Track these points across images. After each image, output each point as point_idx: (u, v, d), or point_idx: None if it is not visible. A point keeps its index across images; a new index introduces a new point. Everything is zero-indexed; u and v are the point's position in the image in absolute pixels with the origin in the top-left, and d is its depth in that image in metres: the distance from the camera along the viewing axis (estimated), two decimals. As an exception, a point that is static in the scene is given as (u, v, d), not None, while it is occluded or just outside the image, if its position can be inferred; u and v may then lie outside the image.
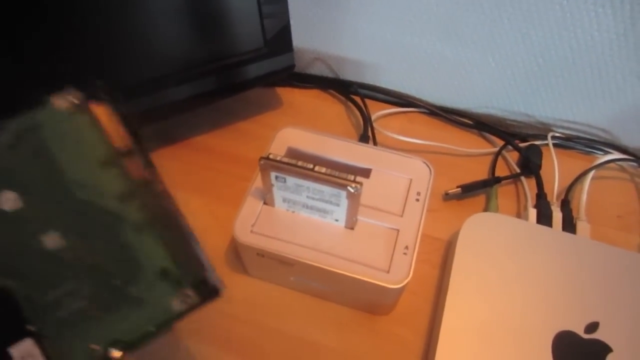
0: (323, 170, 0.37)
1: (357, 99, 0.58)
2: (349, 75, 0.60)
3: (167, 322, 0.24)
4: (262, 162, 0.38)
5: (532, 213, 0.48)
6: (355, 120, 0.58)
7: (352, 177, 0.37)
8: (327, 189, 0.38)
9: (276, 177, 0.39)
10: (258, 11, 0.46)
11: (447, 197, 0.51)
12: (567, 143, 0.55)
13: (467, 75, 0.54)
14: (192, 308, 0.25)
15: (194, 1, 0.44)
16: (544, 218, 0.48)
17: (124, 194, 0.25)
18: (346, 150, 0.46)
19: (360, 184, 0.36)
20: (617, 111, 0.52)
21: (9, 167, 0.23)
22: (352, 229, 0.42)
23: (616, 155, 0.54)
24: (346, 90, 0.59)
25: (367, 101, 0.58)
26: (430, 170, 0.45)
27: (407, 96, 0.59)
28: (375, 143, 0.53)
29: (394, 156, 0.46)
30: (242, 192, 0.43)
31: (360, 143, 0.47)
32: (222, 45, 0.48)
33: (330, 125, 0.58)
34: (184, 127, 0.57)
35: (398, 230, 0.41)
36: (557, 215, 0.48)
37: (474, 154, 0.55)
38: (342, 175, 0.37)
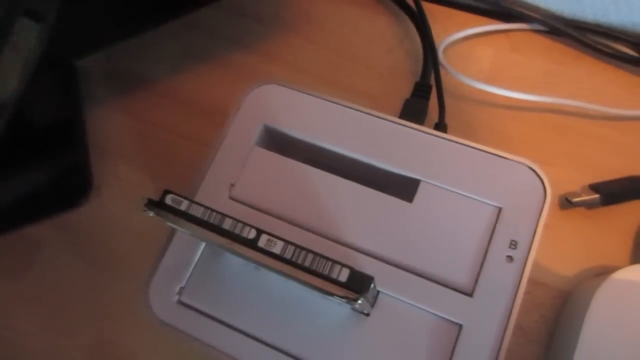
0: (277, 248, 0.15)
1: (415, 3, 0.32)
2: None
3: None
4: (148, 212, 0.17)
5: None
6: (413, 45, 0.33)
7: (343, 273, 0.15)
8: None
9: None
10: None
11: (570, 205, 0.28)
12: None
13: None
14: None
15: None
16: None
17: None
18: (373, 135, 0.24)
19: (364, 290, 0.15)
20: None
21: None
22: (367, 314, 0.21)
23: None
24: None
25: (437, 10, 0.33)
26: (544, 188, 0.22)
27: (511, 0, 0.32)
28: (441, 99, 0.29)
29: (470, 152, 0.23)
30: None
31: (403, 122, 0.24)
32: None
33: (367, 55, 0.34)
34: (144, 60, 0.36)
35: (460, 328, 0.20)
36: None
37: (633, 119, 0.30)
38: (319, 263, 0.15)
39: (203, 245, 0.23)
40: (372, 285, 0.15)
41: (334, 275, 0.15)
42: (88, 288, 0.31)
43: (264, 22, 0.36)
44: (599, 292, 0.24)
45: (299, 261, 0.15)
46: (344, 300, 0.15)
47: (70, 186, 0.34)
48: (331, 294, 0.15)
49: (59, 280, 0.32)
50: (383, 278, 0.21)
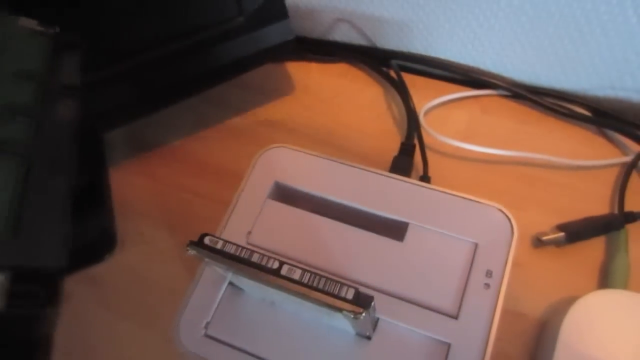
0: (296, 275, 0.20)
1: (397, 76, 0.38)
2: (388, 42, 0.40)
3: None
4: (191, 250, 0.21)
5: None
6: (398, 110, 0.39)
7: (350, 292, 0.19)
8: (307, 303, 0.20)
9: (225, 269, 0.22)
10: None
11: (541, 244, 0.32)
12: None
13: (583, 37, 0.33)
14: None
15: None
16: None
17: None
18: (368, 188, 0.28)
19: (367, 307, 0.19)
20: None
21: None
22: (368, 338, 0.24)
23: None
24: (384, 64, 0.39)
25: (418, 81, 0.39)
26: (511, 226, 0.26)
27: (479, 71, 0.38)
28: (424, 156, 0.34)
29: (449, 199, 0.27)
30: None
31: (392, 175, 0.29)
32: (178, 18, 0.31)
33: (359, 120, 0.39)
34: (161, 129, 0.41)
35: (449, 347, 0.24)
36: None
37: (590, 168, 0.35)
38: (331, 286, 0.19)
39: (225, 286, 0.27)
40: (372, 303, 0.19)
41: (342, 294, 0.19)
42: (113, 335, 0.34)
43: (267, 94, 0.42)
44: (567, 316, 0.27)
45: (314, 284, 0.19)
46: (350, 314, 0.19)
47: (96, 243, 0.38)
48: (340, 310, 0.19)
49: (86, 330, 0.35)
50: (381, 306, 0.25)
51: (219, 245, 0.21)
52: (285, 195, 0.29)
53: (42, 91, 0.21)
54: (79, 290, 0.36)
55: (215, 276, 0.27)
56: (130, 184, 0.40)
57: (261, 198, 0.29)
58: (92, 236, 0.38)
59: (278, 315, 0.26)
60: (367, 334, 0.24)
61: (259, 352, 0.25)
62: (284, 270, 0.20)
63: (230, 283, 0.27)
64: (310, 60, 0.42)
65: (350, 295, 0.19)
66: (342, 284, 0.19)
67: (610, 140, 0.36)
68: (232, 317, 0.26)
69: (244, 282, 0.24)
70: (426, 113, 0.37)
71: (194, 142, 0.41)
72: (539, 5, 0.32)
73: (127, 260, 0.37)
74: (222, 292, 0.27)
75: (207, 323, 0.26)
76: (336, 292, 0.19)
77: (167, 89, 0.35)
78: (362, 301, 0.19)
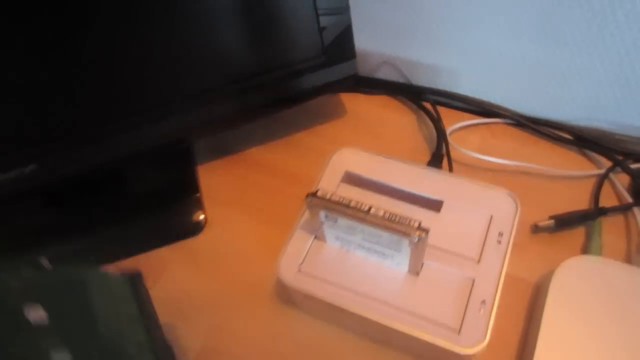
0: (381, 213, 0.31)
1: (430, 107, 0.51)
2: (421, 80, 0.53)
3: None
4: (309, 199, 0.32)
5: (648, 258, 0.39)
6: (428, 132, 0.51)
7: (415, 223, 0.30)
8: (385, 235, 0.32)
9: (326, 216, 0.33)
10: (314, 15, 0.40)
11: (537, 230, 0.43)
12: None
13: (565, 81, 0.45)
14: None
15: (245, 8, 0.39)
16: (664, 265, 0.38)
17: (141, 343, 0.31)
18: (413, 177, 0.40)
19: (426, 231, 0.30)
20: None
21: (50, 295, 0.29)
22: (416, 274, 0.35)
23: None
24: (418, 97, 0.52)
25: (443, 110, 0.51)
26: (516, 204, 0.38)
27: (490, 104, 0.51)
28: (450, 163, 0.46)
29: (472, 186, 0.39)
30: (295, 214, 0.39)
31: (431, 168, 0.40)
32: (274, 55, 0.43)
33: (398, 138, 0.51)
34: (238, 139, 0.53)
35: (473, 280, 0.35)
36: (682, 263, 0.38)
37: (573, 177, 0.47)
38: (403, 220, 0.31)
39: (312, 238, 0.38)
40: (429, 230, 0.30)
41: (411, 224, 0.30)
42: (203, 292, 0.44)
43: (325, 117, 0.54)
44: (555, 274, 0.38)
45: (392, 218, 0.30)
46: (416, 237, 0.30)
47: (190, 221, 0.48)
48: (409, 234, 0.30)
49: (181, 286, 0.45)
50: (426, 254, 0.36)
51: (327, 196, 0.32)
52: (354, 180, 0.41)
53: (146, 325, 0.31)
54: (177, 255, 0.46)
55: (304, 233, 0.38)
56: (215, 180, 0.51)
57: (336, 182, 0.40)
58: (188, 216, 0.49)
59: (351, 257, 0.36)
60: (417, 270, 0.35)
61: (338, 283, 0.36)
62: (372, 211, 0.31)
63: (316, 237, 0.38)
64: (359, 92, 0.55)
65: (415, 224, 0.30)
66: (410, 218, 0.30)
67: (588, 157, 0.48)
68: (318, 259, 0.37)
69: (331, 231, 0.35)
70: (449, 134, 0.50)
71: (265, 151, 0.53)
72: (532, 58, 0.45)
73: (215, 234, 0.47)
74: (310, 242, 0.38)
75: (300, 264, 0.37)
76: (407, 222, 0.30)
77: (255, 109, 0.47)
78: (423, 228, 0.30)
